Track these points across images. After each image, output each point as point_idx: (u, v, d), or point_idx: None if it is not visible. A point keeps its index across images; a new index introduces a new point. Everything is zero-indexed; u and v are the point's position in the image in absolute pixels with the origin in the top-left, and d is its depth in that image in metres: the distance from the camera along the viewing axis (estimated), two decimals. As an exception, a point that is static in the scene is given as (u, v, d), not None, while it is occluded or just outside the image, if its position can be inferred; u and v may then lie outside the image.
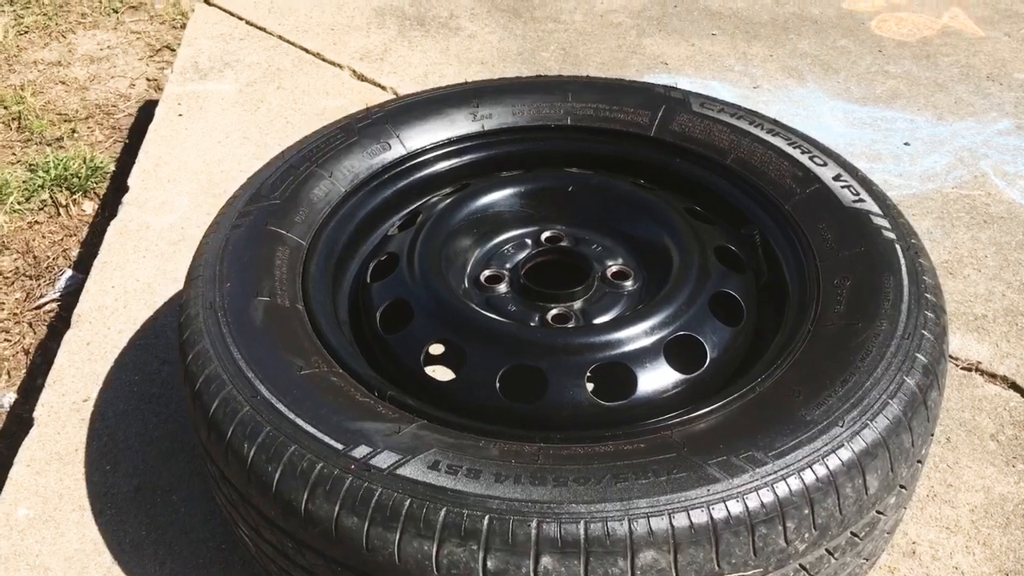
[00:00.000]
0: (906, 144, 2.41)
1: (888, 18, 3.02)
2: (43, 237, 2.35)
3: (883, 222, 1.40)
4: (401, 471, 1.05)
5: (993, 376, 1.74)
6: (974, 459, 1.59)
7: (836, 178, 1.48)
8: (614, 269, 1.49)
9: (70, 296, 2.08)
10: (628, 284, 1.47)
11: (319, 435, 1.09)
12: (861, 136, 2.44)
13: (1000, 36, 2.92)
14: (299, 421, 1.11)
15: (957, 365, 1.76)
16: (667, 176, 1.63)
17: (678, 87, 1.76)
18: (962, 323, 1.86)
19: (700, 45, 2.87)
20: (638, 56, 2.82)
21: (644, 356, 1.28)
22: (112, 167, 2.59)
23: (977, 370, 1.76)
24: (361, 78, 2.70)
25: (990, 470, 1.57)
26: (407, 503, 1.02)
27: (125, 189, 2.25)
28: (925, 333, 1.23)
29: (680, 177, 1.62)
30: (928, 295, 1.29)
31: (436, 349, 1.53)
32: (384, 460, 1.06)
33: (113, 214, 2.18)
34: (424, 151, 1.64)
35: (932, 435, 1.24)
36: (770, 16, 3.04)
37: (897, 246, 1.35)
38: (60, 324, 2.02)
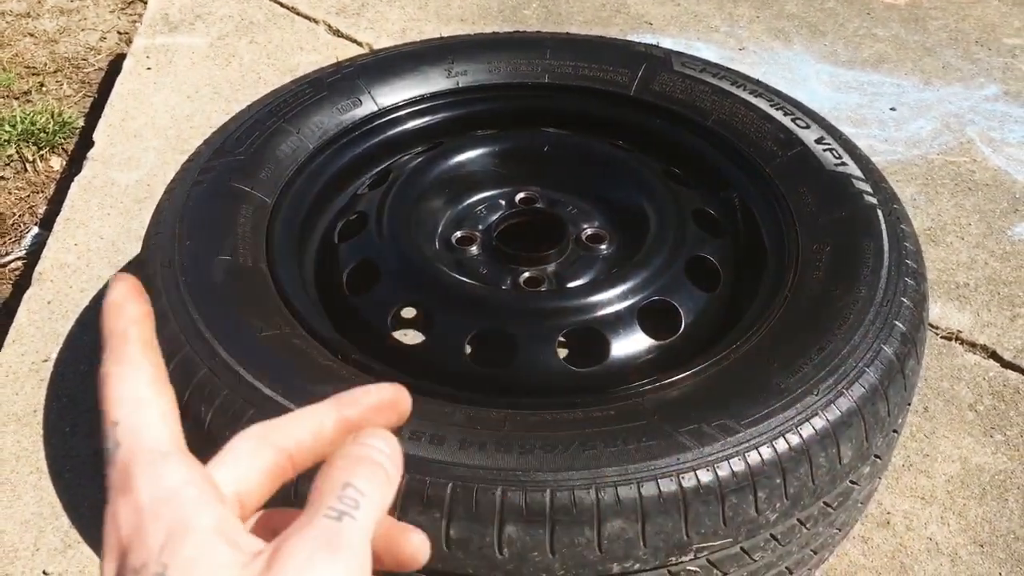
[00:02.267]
0: (892, 109, 2.37)
1: (877, -20, 2.97)
2: (9, 193, 2.29)
3: (865, 187, 1.36)
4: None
5: (973, 345, 1.72)
6: (951, 429, 1.57)
7: (819, 141, 1.45)
8: (589, 232, 1.45)
9: (36, 254, 2.03)
10: (603, 247, 1.43)
11: (278, 398, 1.05)
12: (847, 100, 2.40)
13: (990, 0, 2.88)
14: (258, 384, 1.07)
15: (937, 334, 1.73)
16: (647, 137, 1.59)
17: (659, 45, 1.71)
18: (944, 291, 1.83)
19: (686, 5, 2.82)
20: (622, 15, 2.76)
21: (617, 321, 1.24)
22: (81, 122, 2.52)
23: (957, 339, 1.73)
24: (337, 33, 2.63)
25: (967, 440, 1.55)
26: (367, 470, 0.99)
27: (92, 144, 2.18)
28: (904, 300, 1.20)
29: (660, 138, 1.58)
30: (909, 261, 1.26)
31: (409, 313, 1.49)
32: (345, 425, 1.02)
33: (79, 170, 2.12)
34: (396, 108, 1.58)
35: (909, 404, 1.21)
36: (757, -24, 2.98)
37: (878, 211, 1.32)
38: (25, 283, 1.97)
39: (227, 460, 0.44)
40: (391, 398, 0.49)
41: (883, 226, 1.29)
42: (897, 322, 1.16)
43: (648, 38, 2.61)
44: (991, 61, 2.57)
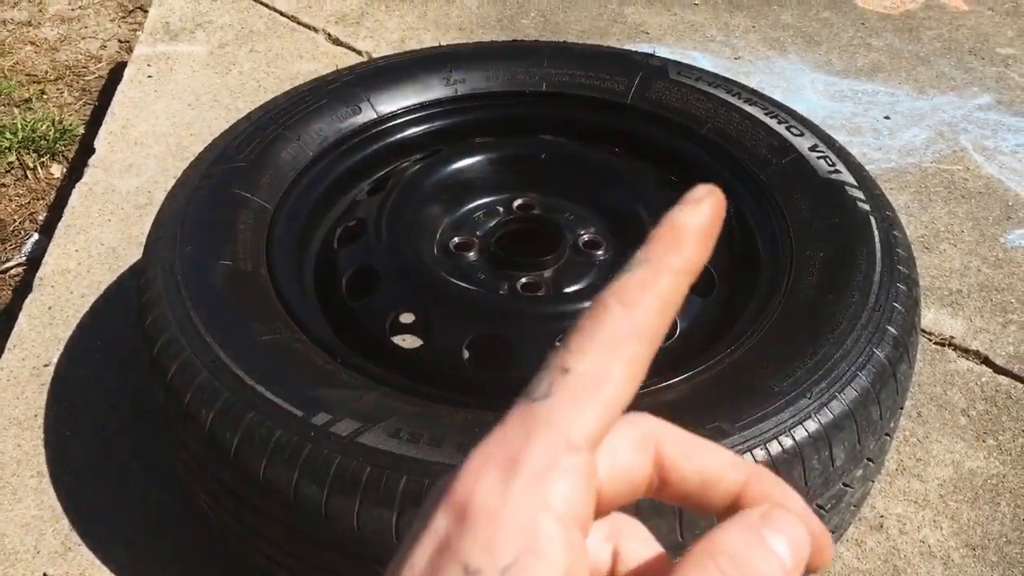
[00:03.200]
0: (886, 118, 2.39)
1: (871, -9, 2.99)
2: (9, 200, 2.30)
3: (858, 193, 1.38)
4: (362, 439, 1.02)
5: (966, 351, 1.74)
6: (944, 434, 1.58)
7: (812, 148, 1.46)
8: (586, 238, 1.46)
9: (36, 260, 2.04)
10: (600, 253, 1.44)
11: (279, 401, 1.07)
12: (841, 109, 2.42)
13: (984, 11, 2.90)
14: (258, 387, 1.09)
15: (930, 340, 1.75)
16: (643, 144, 1.61)
17: (656, 55, 1.73)
18: (937, 298, 1.85)
19: (682, 14, 2.84)
20: (619, 25, 2.78)
21: (613, 326, 1.25)
22: (81, 130, 2.53)
23: (950, 345, 1.75)
24: (336, 42, 2.65)
25: (960, 445, 1.56)
26: (367, 471, 1.00)
27: (92, 151, 2.20)
28: (896, 305, 1.21)
29: (656, 146, 1.60)
30: (901, 267, 1.27)
31: (408, 318, 1.51)
32: (345, 428, 1.04)
33: (80, 177, 2.13)
34: (395, 115, 1.60)
35: (901, 408, 1.23)
36: (753, -13, 3.00)
37: (872, 218, 1.34)
38: (25, 289, 1.98)
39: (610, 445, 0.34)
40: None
41: (876, 232, 1.31)
42: (889, 327, 1.18)
43: (645, 47, 2.63)
44: (984, 70, 2.59)
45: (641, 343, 0.33)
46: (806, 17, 2.84)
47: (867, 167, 1.49)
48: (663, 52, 2.57)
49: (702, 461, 0.36)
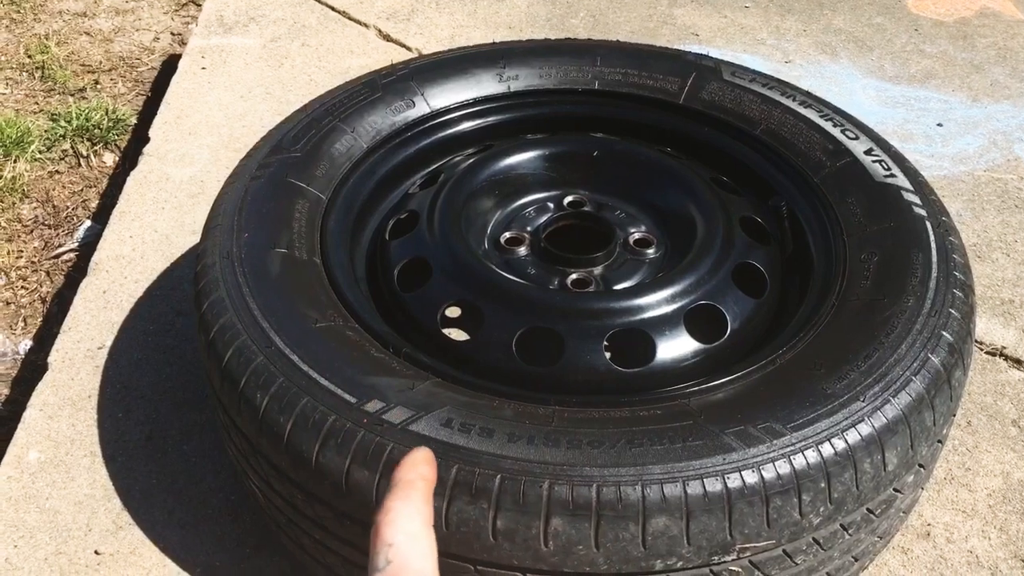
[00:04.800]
0: (939, 125, 2.36)
1: (925, -3, 2.96)
2: (63, 187, 2.35)
3: (914, 198, 1.37)
4: (414, 427, 1.03)
5: (1018, 362, 1.71)
6: (994, 444, 1.56)
7: (868, 152, 1.45)
8: (637, 236, 1.46)
9: (88, 247, 2.08)
10: (650, 251, 1.44)
11: (332, 388, 1.08)
12: (893, 115, 2.39)
13: (1040, 19, 2.86)
14: (312, 373, 1.10)
15: (982, 349, 1.73)
16: (695, 144, 1.60)
17: (709, 55, 1.72)
18: (989, 307, 1.83)
19: (732, 17, 2.83)
20: (669, 26, 2.77)
21: (664, 324, 1.25)
22: (134, 120, 2.58)
23: (1002, 355, 1.72)
24: (387, 38, 2.67)
25: (1010, 455, 1.54)
26: (418, 459, 1.01)
27: (146, 141, 2.23)
28: (952, 311, 1.20)
29: (708, 146, 1.59)
30: (957, 273, 1.26)
31: (453, 312, 1.51)
32: (397, 415, 1.05)
33: (133, 165, 2.17)
34: (448, 110, 1.61)
35: (954, 415, 1.21)
36: (805, -9, 2.98)
37: (927, 223, 1.32)
38: (78, 274, 2.02)
39: None
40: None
41: (932, 237, 1.29)
42: (945, 332, 1.17)
43: (695, 49, 2.61)
44: (1040, 79, 2.55)
45: None
46: (858, 22, 2.82)
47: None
48: (713, 54, 2.56)
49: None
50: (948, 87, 2.52)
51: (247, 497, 1.41)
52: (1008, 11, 2.90)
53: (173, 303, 1.77)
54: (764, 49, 2.67)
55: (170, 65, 2.74)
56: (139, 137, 2.43)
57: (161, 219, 1.97)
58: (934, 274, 1.24)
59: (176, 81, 2.45)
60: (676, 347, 1.25)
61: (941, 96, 2.48)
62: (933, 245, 1.28)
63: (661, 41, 2.67)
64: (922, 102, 2.45)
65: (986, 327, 1.77)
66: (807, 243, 1.41)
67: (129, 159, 2.39)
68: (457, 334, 1.42)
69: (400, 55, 2.57)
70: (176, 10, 3.14)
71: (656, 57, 1.70)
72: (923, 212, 1.34)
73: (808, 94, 1.60)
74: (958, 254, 1.30)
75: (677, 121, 1.61)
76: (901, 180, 1.40)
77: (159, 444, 1.52)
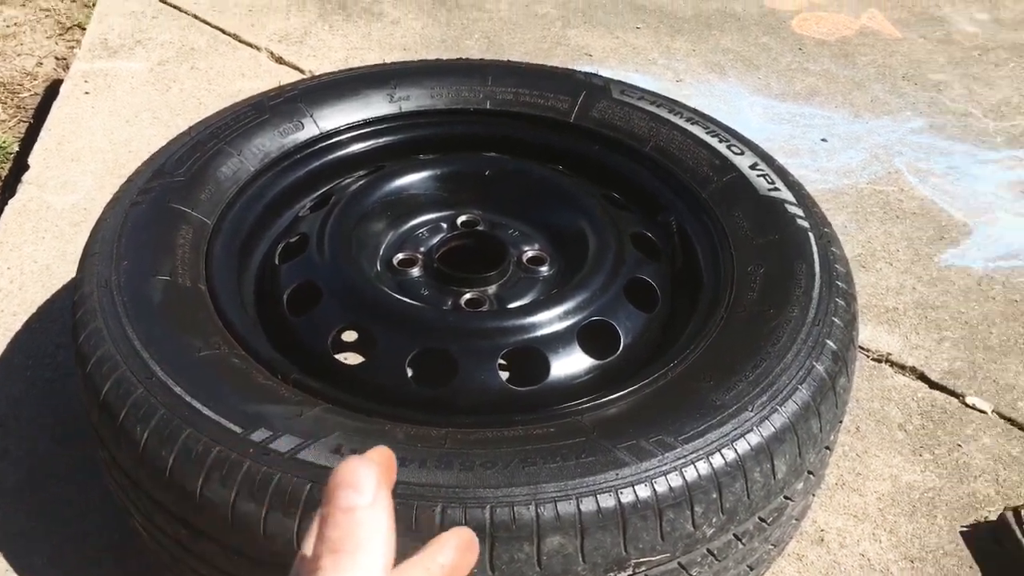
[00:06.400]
0: (823, 140, 2.44)
1: (809, 17, 3.07)
2: (-61, 217, 2.23)
3: (797, 211, 1.40)
4: (302, 455, 1.00)
5: (902, 367, 1.77)
6: (882, 448, 1.61)
7: (752, 167, 1.49)
8: (530, 254, 1.47)
9: (-35, 279, 1.98)
10: (544, 269, 1.45)
11: (216, 418, 1.04)
12: (779, 131, 2.47)
13: (916, 38, 2.99)
14: (196, 403, 1.06)
15: (868, 356, 1.78)
16: (586, 162, 1.62)
17: (599, 74, 1.74)
18: (874, 315, 1.89)
19: (624, 38, 2.88)
20: (563, 47, 2.81)
21: (557, 341, 1.25)
22: (16, 147, 2.48)
23: (887, 361, 1.78)
24: (279, 61, 2.64)
25: (897, 459, 1.59)
26: (307, 488, 0.98)
27: (26, 168, 2.15)
28: (836, 320, 1.23)
29: (599, 164, 1.61)
30: (839, 283, 1.29)
31: (351, 336, 1.49)
32: (284, 444, 1.02)
33: (13, 194, 2.08)
34: (339, 132, 1.59)
35: (841, 421, 1.24)
36: (694, 12, 3.06)
37: (811, 234, 1.36)
38: (-47, 307, 1.92)
39: None
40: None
41: (815, 249, 1.33)
42: (829, 341, 1.20)
43: (588, 69, 2.65)
44: (917, 96, 2.67)
45: None
46: (745, 42, 2.90)
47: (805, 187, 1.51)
48: (606, 74, 2.59)
49: None
50: (831, 104, 2.61)
51: (131, 536, 1.35)
52: (887, 30, 3.02)
53: (53, 336, 1.69)
54: (656, 69, 2.72)
55: (53, 90, 2.64)
56: (20, 165, 2.33)
57: (41, 249, 1.89)
58: (817, 284, 1.27)
59: (58, 106, 2.36)
60: (570, 364, 1.25)
61: (825, 112, 2.56)
62: (816, 256, 1.32)
63: (555, 61, 2.69)
64: (807, 118, 2.53)
65: (871, 334, 1.83)
66: (696, 257, 1.43)
67: (9, 188, 2.29)
68: (355, 358, 1.40)
69: (293, 78, 2.53)
70: (60, 34, 3.04)
71: (547, 76, 1.71)
72: (806, 224, 1.38)
73: (695, 111, 1.63)
74: (840, 264, 1.34)
75: (568, 139, 1.63)
76: (785, 193, 1.43)
77: (39, 484, 1.44)
